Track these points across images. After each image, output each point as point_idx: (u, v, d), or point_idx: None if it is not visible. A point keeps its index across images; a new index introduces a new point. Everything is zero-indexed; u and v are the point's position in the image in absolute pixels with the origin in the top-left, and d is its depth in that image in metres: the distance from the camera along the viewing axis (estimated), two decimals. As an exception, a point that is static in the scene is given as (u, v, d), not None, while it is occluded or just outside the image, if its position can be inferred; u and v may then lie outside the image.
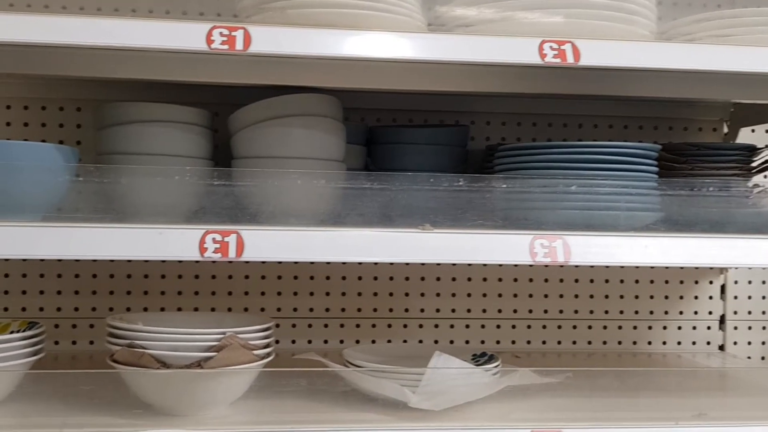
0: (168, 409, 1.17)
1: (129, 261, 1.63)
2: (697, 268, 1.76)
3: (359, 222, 1.18)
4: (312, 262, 1.68)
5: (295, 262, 1.67)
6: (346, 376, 1.25)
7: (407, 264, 1.71)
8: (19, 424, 1.10)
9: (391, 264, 1.71)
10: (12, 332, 1.20)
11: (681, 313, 1.78)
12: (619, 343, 1.76)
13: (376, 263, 1.70)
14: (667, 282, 1.77)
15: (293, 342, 1.69)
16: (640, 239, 1.17)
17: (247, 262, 1.66)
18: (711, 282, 1.78)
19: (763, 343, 1.76)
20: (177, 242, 1.10)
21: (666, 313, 1.77)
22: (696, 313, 1.78)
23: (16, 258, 1.07)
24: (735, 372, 1.60)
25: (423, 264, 1.71)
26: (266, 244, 1.11)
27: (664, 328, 1.77)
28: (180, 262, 1.64)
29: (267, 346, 1.22)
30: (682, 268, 1.76)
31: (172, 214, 1.21)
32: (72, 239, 1.08)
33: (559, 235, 1.16)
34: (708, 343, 1.77)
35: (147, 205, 1.20)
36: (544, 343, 1.75)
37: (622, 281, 1.76)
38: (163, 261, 1.64)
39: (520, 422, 1.17)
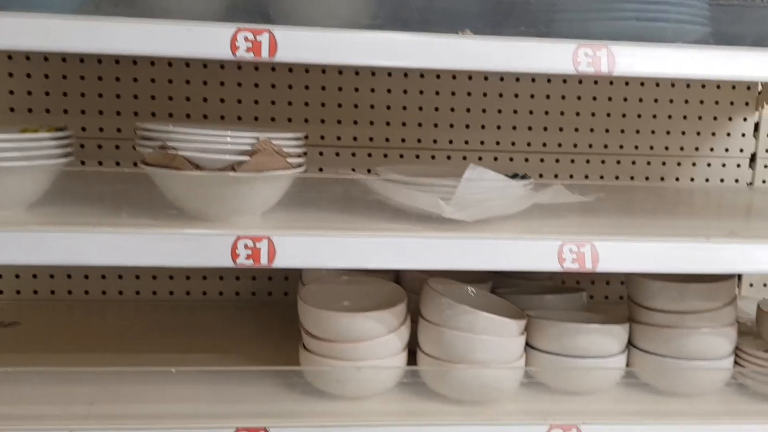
0: (200, 214, 1.17)
1: (153, 81, 1.60)
2: (733, 96, 1.72)
3: (397, 26, 1.13)
4: (340, 88, 1.65)
5: (323, 88, 1.64)
6: (380, 189, 1.24)
7: (437, 93, 1.68)
8: (54, 222, 1.10)
9: (421, 93, 1.68)
10: (41, 135, 1.19)
11: (712, 150, 1.75)
12: (647, 178, 1.74)
13: (405, 91, 1.67)
14: (700, 118, 1.73)
15: (320, 170, 1.68)
16: (688, 51, 1.13)
17: (273, 86, 1.63)
18: (745, 119, 1.74)
19: (793, 183, 1.75)
20: (207, 40, 1.06)
21: (696, 149, 1.75)
22: (727, 150, 1.75)
23: (47, 51, 1.03)
24: (762, 201, 1.60)
25: (453, 93, 1.68)
26: (300, 44, 1.07)
27: (693, 164, 1.75)
28: (205, 84, 1.62)
29: (300, 156, 1.21)
30: (717, 103, 1.72)
31: (201, 13, 1.16)
32: (99, 34, 1.04)
33: (604, 44, 1.11)
34: (736, 181, 1.76)
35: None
36: (571, 177, 1.74)
37: (654, 116, 1.72)
38: (188, 82, 1.61)
39: (551, 235, 1.17)
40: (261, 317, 1.63)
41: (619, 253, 1.16)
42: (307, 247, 1.12)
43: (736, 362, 1.35)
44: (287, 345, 1.37)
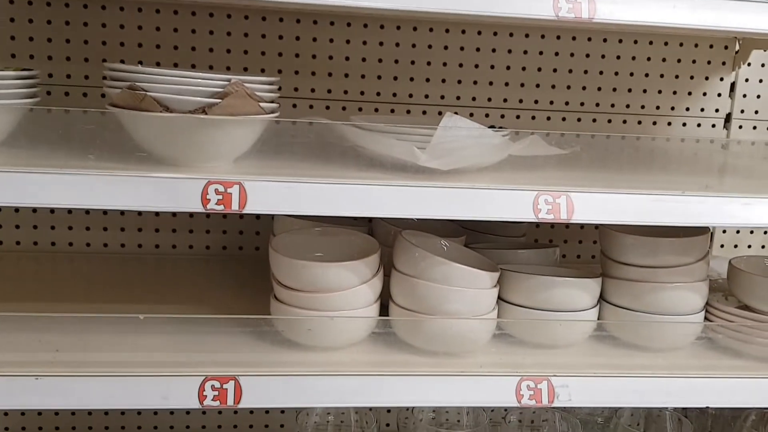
0: (170, 159, 1.14)
1: (122, 27, 1.56)
2: (710, 55, 1.71)
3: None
4: (314, 39, 1.61)
5: (297, 38, 1.61)
6: (355, 137, 1.22)
7: (414, 46, 1.65)
8: (21, 163, 1.06)
9: (397, 45, 1.65)
10: (5, 75, 1.15)
11: (687, 109, 1.75)
12: (623, 138, 1.73)
13: (381, 43, 1.64)
14: (677, 77, 1.72)
15: (293, 123, 1.65)
16: (669, -1, 1.12)
17: (246, 35, 1.59)
18: (722, 79, 1.74)
19: (767, 144, 1.75)
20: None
21: (672, 109, 1.74)
22: (702, 110, 1.75)
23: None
24: (736, 161, 1.60)
25: (430, 47, 1.66)
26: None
27: (669, 124, 1.75)
28: (175, 31, 1.57)
29: (273, 101, 1.18)
30: (694, 62, 1.72)
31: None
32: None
33: (586, -9, 1.10)
34: (711, 141, 1.76)
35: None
36: (547, 135, 1.72)
37: (631, 74, 1.71)
38: (158, 29, 1.56)
39: (526, 185, 1.15)
40: (232, 271, 1.61)
41: (595, 204, 1.16)
42: (280, 193, 1.10)
43: (706, 318, 1.36)
44: (258, 298, 1.35)
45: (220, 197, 1.08)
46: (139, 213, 1.66)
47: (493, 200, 1.14)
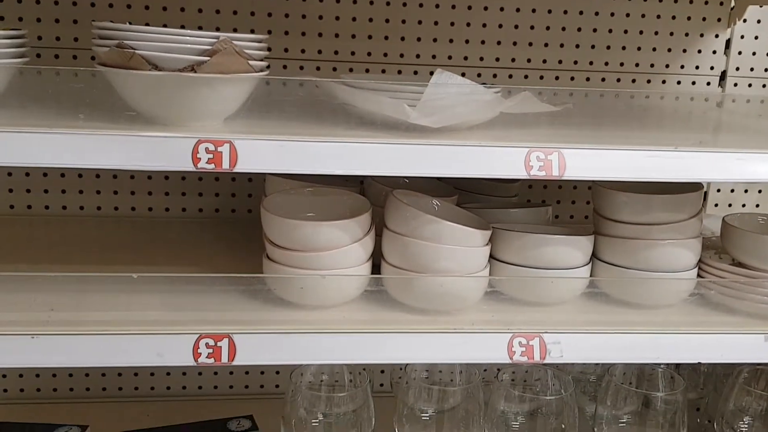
0: (160, 118, 1.13)
1: (110, -13, 1.54)
2: (705, 12, 1.70)
3: None
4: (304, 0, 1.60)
5: (287, -1, 1.59)
6: (345, 95, 1.21)
7: (404, 5, 1.63)
8: (11, 123, 1.05)
9: (388, 4, 1.63)
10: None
11: (682, 67, 1.74)
12: (616, 96, 1.73)
13: (371, 2, 1.62)
14: (672, 34, 1.71)
15: (284, 84, 1.64)
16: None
17: (236, -6, 1.58)
18: (717, 36, 1.72)
19: (762, 101, 1.74)
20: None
21: (667, 66, 1.73)
22: (697, 68, 1.74)
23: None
24: (730, 118, 1.59)
25: (421, 5, 1.64)
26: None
27: (663, 82, 1.74)
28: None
29: (263, 59, 1.17)
30: (689, 18, 1.70)
31: None
32: None
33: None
34: (706, 100, 1.75)
35: None
36: (540, 93, 1.71)
37: (626, 32, 1.70)
38: None
39: (518, 142, 1.15)
40: (224, 234, 1.61)
41: (587, 160, 1.15)
42: (270, 151, 1.09)
43: (699, 275, 1.36)
44: (251, 260, 1.35)
45: (211, 156, 1.08)
46: (132, 176, 1.66)
47: (485, 157, 1.13)
